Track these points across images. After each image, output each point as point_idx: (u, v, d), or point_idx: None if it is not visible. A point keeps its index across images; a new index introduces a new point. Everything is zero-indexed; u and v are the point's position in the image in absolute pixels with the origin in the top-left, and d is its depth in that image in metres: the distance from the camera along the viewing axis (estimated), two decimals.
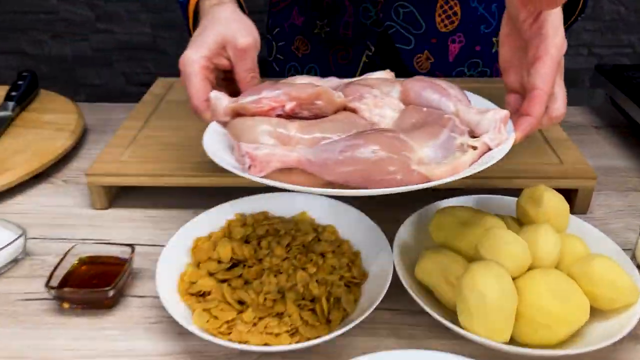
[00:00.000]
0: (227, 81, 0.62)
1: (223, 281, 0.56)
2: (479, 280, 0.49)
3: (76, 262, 0.61)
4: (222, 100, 0.53)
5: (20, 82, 0.94)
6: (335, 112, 0.53)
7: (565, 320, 0.49)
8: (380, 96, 0.54)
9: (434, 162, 0.47)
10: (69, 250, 0.60)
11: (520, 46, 0.53)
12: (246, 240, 0.61)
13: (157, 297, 0.54)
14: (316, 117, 0.52)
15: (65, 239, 0.68)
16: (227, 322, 0.51)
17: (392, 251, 0.58)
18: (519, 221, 0.61)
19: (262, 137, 0.48)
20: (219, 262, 0.59)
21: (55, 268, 0.58)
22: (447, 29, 0.91)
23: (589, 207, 0.72)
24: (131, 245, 0.61)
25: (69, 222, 0.71)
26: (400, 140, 0.46)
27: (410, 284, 0.55)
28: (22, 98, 0.93)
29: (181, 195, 0.74)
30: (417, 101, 0.55)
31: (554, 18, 0.50)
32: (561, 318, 0.49)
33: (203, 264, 0.58)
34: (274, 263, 0.57)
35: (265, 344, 0.49)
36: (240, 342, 0.49)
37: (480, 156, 0.49)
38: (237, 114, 0.52)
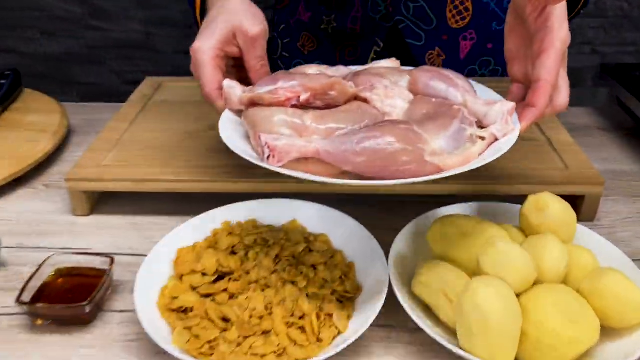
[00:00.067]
0: (236, 68, 0.62)
1: (207, 296, 0.53)
2: (481, 298, 0.45)
3: (52, 273, 0.57)
4: (235, 89, 0.55)
5: (2, 82, 0.91)
6: (347, 101, 0.54)
7: (573, 340, 0.45)
8: (390, 86, 0.55)
9: (446, 153, 0.48)
10: (44, 262, 0.57)
11: (526, 38, 0.54)
12: (233, 251, 0.58)
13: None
14: (329, 106, 0.53)
15: (43, 247, 0.65)
16: (209, 342, 0.47)
17: (387, 263, 0.55)
18: (523, 231, 0.58)
19: (278, 127, 0.49)
20: (203, 274, 0.55)
21: (29, 281, 0.55)
22: (458, 25, 0.88)
23: (596, 215, 0.68)
24: (111, 256, 0.57)
25: (48, 230, 0.68)
26: (414, 132, 0.47)
27: (406, 300, 0.51)
28: (5, 98, 0.89)
29: (167, 201, 0.71)
30: (425, 91, 0.56)
31: (559, 12, 0.51)
32: (569, 338, 0.45)
33: (186, 277, 0.55)
34: (261, 276, 0.54)
35: None
36: None
37: (488, 146, 0.51)
38: (253, 103, 0.53)
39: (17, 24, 1.69)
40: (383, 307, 0.50)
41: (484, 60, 0.92)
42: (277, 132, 0.49)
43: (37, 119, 0.86)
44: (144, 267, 0.55)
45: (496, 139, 0.51)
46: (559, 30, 0.50)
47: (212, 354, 0.47)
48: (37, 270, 0.56)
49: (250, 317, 0.50)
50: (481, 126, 0.53)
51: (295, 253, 0.57)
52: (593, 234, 0.59)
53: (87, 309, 0.53)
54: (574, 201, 0.67)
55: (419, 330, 0.49)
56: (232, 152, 0.51)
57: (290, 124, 0.50)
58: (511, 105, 0.51)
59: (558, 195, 0.56)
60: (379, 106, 0.53)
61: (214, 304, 0.51)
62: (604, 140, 0.87)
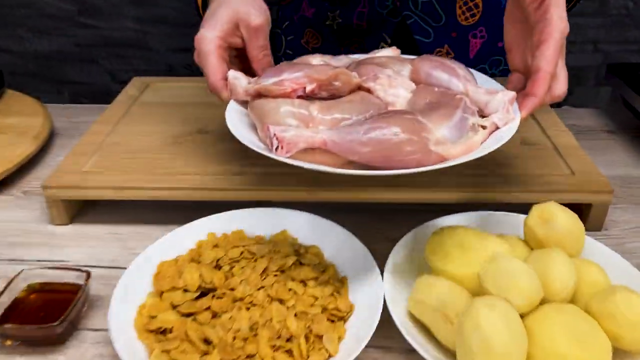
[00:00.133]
0: (238, 58, 0.63)
1: (188, 315, 0.49)
2: (483, 320, 0.41)
3: (24, 289, 0.53)
4: (240, 80, 0.56)
5: None
6: (351, 91, 0.54)
7: None
8: (393, 76, 0.55)
9: (449, 142, 0.49)
10: (16, 276, 0.53)
11: (525, 28, 0.55)
12: (218, 265, 0.54)
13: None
14: (333, 96, 0.53)
15: (17, 260, 0.61)
16: None
17: (382, 279, 0.51)
18: (527, 243, 0.54)
19: (285, 118, 0.50)
20: (185, 290, 0.51)
21: None
22: (468, 22, 0.85)
23: (603, 224, 0.65)
24: (86, 271, 0.54)
25: (23, 240, 0.64)
26: (419, 122, 0.48)
27: (402, 319, 0.48)
28: None
29: (151, 209, 0.67)
30: (427, 80, 0.57)
31: (558, 2, 0.52)
32: None
33: (166, 294, 0.51)
34: (247, 293, 0.50)
35: None
36: None
37: (490, 135, 0.51)
38: (259, 94, 0.53)
39: (6, 21, 1.65)
40: (377, 326, 0.47)
41: (495, 59, 0.89)
42: (284, 123, 0.50)
43: (18, 122, 0.82)
44: (121, 283, 0.51)
45: (497, 128, 0.52)
46: (558, 21, 0.51)
47: None
48: (8, 285, 0.52)
49: (234, 338, 0.46)
50: (482, 115, 0.53)
51: (284, 267, 0.54)
52: (601, 246, 0.56)
53: (59, 329, 0.49)
54: (580, 209, 0.63)
55: (416, 352, 0.45)
56: (237, 145, 0.52)
57: (297, 114, 0.50)
58: (512, 94, 0.52)
59: (564, 204, 0.53)
60: (382, 96, 0.54)
61: (195, 324, 0.48)
62: (610, 143, 0.83)
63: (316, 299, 0.50)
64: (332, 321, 0.49)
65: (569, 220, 0.52)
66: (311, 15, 0.90)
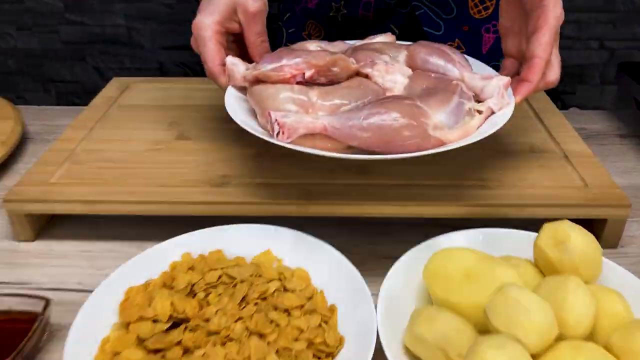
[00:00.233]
0: (235, 44, 0.62)
1: (156, 351, 0.44)
2: None
3: None
4: (238, 66, 0.56)
5: None
6: (349, 77, 0.55)
7: None
8: (390, 62, 0.56)
9: (447, 127, 0.50)
10: None
11: (521, 14, 0.55)
12: (192, 291, 0.49)
13: None
14: (331, 82, 0.54)
15: None
16: None
17: (375, 308, 0.46)
18: (537, 266, 0.49)
19: (285, 104, 0.50)
20: (155, 321, 0.46)
21: None
22: (481, 15, 0.81)
23: (619, 241, 0.59)
24: (45, 298, 0.48)
25: None
26: (417, 107, 0.49)
27: (396, 354, 0.42)
28: None
29: (126, 224, 0.61)
30: (423, 66, 0.57)
31: None
32: None
33: (133, 326, 0.45)
34: (223, 325, 0.44)
35: None
36: None
37: (485, 120, 0.52)
38: (258, 80, 0.53)
39: None
40: None
41: None
42: (284, 108, 0.50)
43: None
44: (81, 312, 0.46)
45: (492, 112, 0.53)
46: (553, 8, 0.52)
47: None
48: None
49: None
50: (478, 100, 0.54)
51: (266, 293, 0.48)
52: (618, 268, 0.50)
53: None
54: (593, 225, 0.58)
55: None
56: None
57: (296, 100, 0.51)
58: (507, 79, 0.53)
59: (577, 220, 0.48)
60: (380, 82, 0.54)
61: None
62: (623, 148, 0.78)
63: (301, 331, 0.45)
64: (319, 358, 0.44)
65: (585, 242, 0.46)
66: (314, 6, 0.85)
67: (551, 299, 0.41)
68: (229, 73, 0.57)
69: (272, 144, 0.48)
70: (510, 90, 0.54)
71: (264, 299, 0.48)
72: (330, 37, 0.85)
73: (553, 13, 0.52)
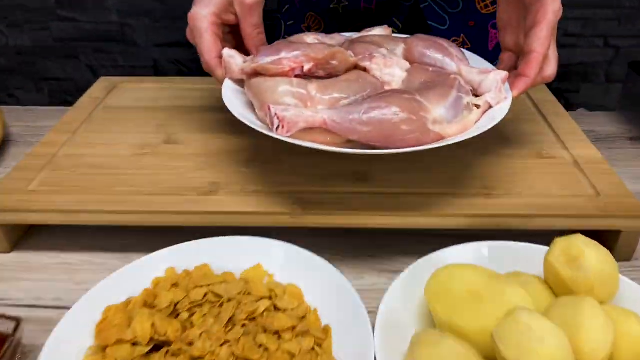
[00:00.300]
0: (231, 35, 0.61)
1: None
2: None
3: None
4: (235, 58, 0.55)
5: None
6: (347, 70, 0.54)
7: None
8: (389, 55, 0.56)
9: (446, 121, 0.49)
10: None
11: (519, 8, 0.55)
12: (175, 311, 0.45)
13: None
14: (330, 75, 0.54)
15: None
16: None
17: (372, 331, 0.42)
18: (548, 284, 0.45)
19: (283, 98, 0.50)
20: (134, 344, 0.42)
21: None
22: (487, 10, 0.78)
23: (634, 253, 0.56)
24: (17, 318, 0.44)
25: None
26: (417, 102, 0.49)
27: None
28: None
29: (109, 235, 0.58)
30: (420, 60, 0.57)
31: None
32: None
33: (111, 349, 0.42)
34: (207, 350, 0.41)
35: None
36: None
37: (483, 114, 0.52)
38: (257, 73, 0.53)
39: None
40: None
41: None
42: (282, 102, 0.50)
43: None
44: (55, 334, 0.42)
45: (490, 107, 0.53)
46: (552, 2, 0.52)
47: None
48: None
49: None
50: (475, 94, 0.53)
51: (255, 313, 0.45)
52: (633, 285, 0.47)
53: None
54: (605, 236, 0.54)
55: None
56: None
57: (296, 94, 0.50)
58: (504, 74, 0.53)
59: (588, 231, 0.44)
60: (378, 75, 0.54)
61: None
62: (634, 152, 0.74)
63: (293, 356, 0.41)
64: None
65: (600, 260, 0.43)
66: None
67: (565, 324, 0.38)
68: (225, 65, 0.56)
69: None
70: (507, 84, 0.53)
71: (253, 319, 0.44)
72: (330, 30, 0.82)
73: (552, 8, 0.52)
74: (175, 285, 0.47)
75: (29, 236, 0.58)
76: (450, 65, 0.56)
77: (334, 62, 0.53)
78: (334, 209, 0.54)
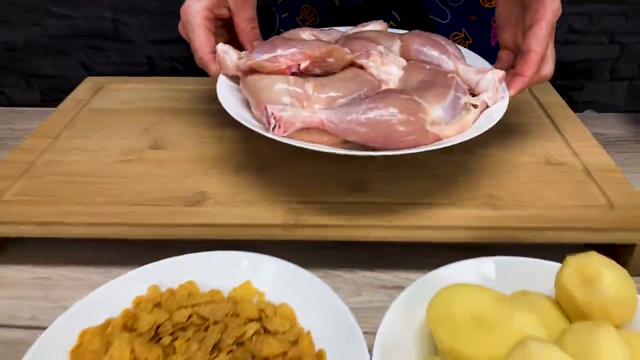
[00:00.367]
0: (224, 29, 0.60)
1: None
2: None
3: None
4: (230, 53, 0.54)
5: None
6: (343, 68, 0.54)
7: None
8: (385, 53, 0.55)
9: (444, 122, 0.49)
10: None
11: (518, 6, 0.55)
12: (157, 335, 0.42)
13: None
14: (326, 73, 0.53)
15: None
16: None
17: (370, 355, 0.39)
18: (559, 305, 0.42)
19: (280, 96, 0.49)
20: None
21: None
22: (490, 4, 0.75)
23: None
24: None
25: None
26: (415, 102, 0.48)
27: None
28: None
29: (90, 247, 0.54)
30: (417, 57, 0.57)
31: None
32: None
33: None
34: None
35: None
36: None
37: (480, 114, 0.52)
38: (252, 70, 0.52)
39: None
40: None
41: None
42: (279, 100, 0.49)
43: None
44: (28, 358, 0.39)
45: (487, 107, 0.52)
46: (552, 1, 0.51)
47: None
48: None
49: None
50: (472, 93, 0.53)
51: (243, 337, 0.41)
52: None
53: None
54: (618, 249, 0.51)
55: None
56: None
57: (292, 92, 0.49)
58: (502, 73, 0.52)
59: (599, 245, 0.41)
60: (375, 73, 0.53)
61: None
62: None
63: None
64: None
65: (619, 282, 0.39)
66: None
67: (581, 355, 0.34)
68: (219, 61, 0.55)
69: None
70: (504, 84, 0.53)
71: (241, 344, 0.41)
72: (326, 24, 0.80)
73: (551, 7, 0.51)
74: (157, 305, 0.44)
75: (2, 249, 0.55)
76: (447, 63, 0.56)
77: (330, 60, 0.53)
78: (328, 221, 0.51)
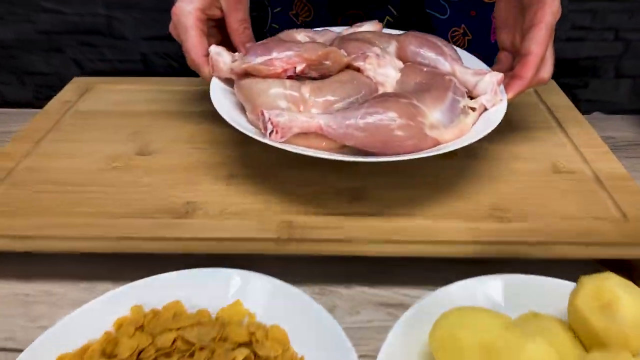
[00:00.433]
0: (216, 29, 0.59)
1: None
2: None
3: None
4: (223, 55, 0.53)
5: None
6: (340, 70, 0.53)
7: None
8: (382, 55, 0.54)
9: (442, 126, 0.48)
10: None
11: (518, 7, 0.54)
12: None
13: None
14: (322, 76, 0.52)
15: None
16: None
17: None
18: (572, 329, 0.39)
19: (276, 101, 0.48)
20: None
21: None
22: None
23: None
24: None
25: None
26: (414, 106, 0.47)
27: None
28: None
29: (72, 261, 0.51)
30: (414, 59, 0.56)
31: None
32: None
33: None
34: None
35: None
36: None
37: (478, 117, 0.51)
38: (247, 73, 0.51)
39: None
40: None
41: None
42: (275, 105, 0.48)
43: None
44: None
45: (485, 109, 0.52)
46: (551, 3, 0.51)
47: None
48: None
49: None
50: (470, 96, 0.52)
51: None
52: None
53: None
54: (631, 263, 0.48)
55: None
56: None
57: (288, 96, 0.49)
58: (500, 76, 0.52)
59: (609, 261, 0.39)
60: (372, 75, 0.53)
61: None
62: None
63: None
64: None
65: (637, 307, 0.36)
66: None
67: None
68: (213, 63, 0.54)
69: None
70: (502, 86, 0.52)
71: None
72: (320, 18, 0.78)
73: (550, 9, 0.51)
74: (140, 327, 0.41)
75: None
76: (444, 64, 0.55)
77: (327, 63, 0.52)
78: (324, 234, 0.48)
